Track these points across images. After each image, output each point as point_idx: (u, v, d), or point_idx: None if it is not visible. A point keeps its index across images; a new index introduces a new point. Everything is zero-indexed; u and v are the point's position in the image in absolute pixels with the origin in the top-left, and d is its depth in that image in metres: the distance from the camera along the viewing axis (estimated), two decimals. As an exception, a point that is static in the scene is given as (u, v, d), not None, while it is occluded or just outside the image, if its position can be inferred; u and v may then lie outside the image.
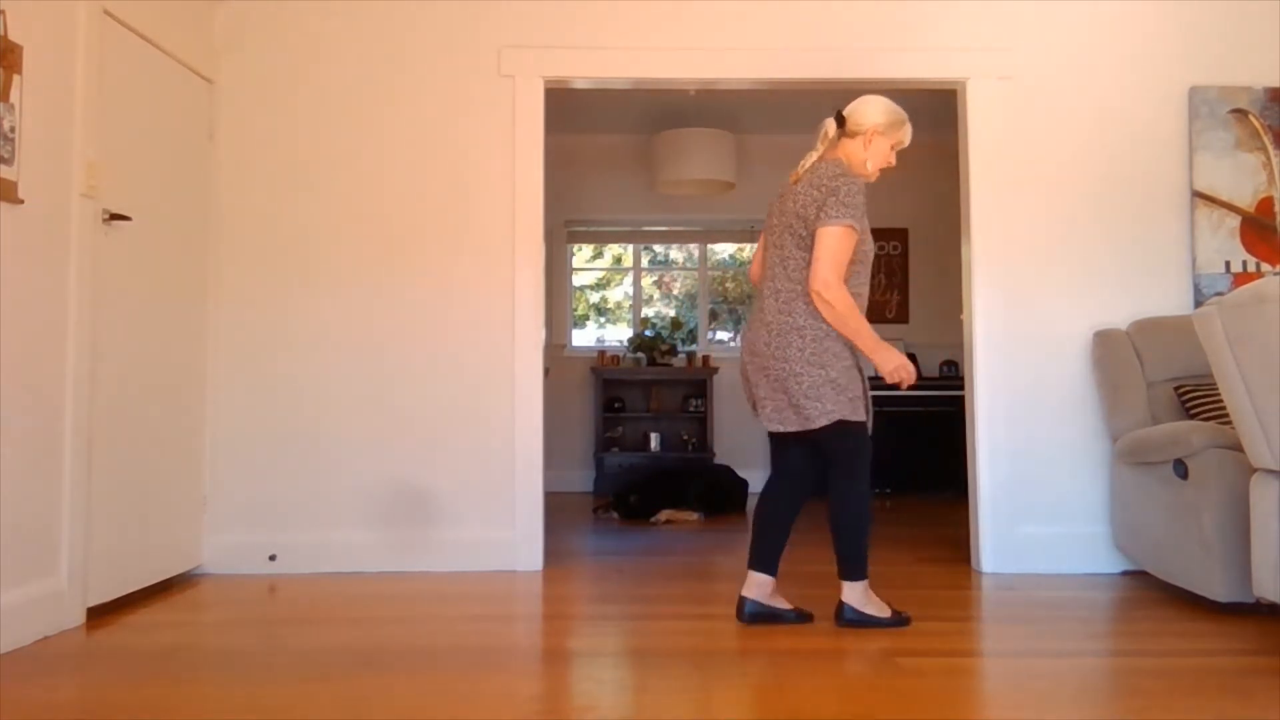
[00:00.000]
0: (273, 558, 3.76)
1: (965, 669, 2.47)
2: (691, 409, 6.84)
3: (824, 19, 3.96)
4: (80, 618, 2.97)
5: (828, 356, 2.76)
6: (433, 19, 3.93)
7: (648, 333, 7.01)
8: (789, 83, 4.03)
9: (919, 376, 6.56)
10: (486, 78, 3.93)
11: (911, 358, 6.66)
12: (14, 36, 2.72)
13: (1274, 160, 3.90)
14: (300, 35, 3.91)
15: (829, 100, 6.15)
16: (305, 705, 2.17)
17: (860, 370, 2.84)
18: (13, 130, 2.70)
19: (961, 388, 5.71)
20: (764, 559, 2.91)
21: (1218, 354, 2.67)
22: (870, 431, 2.85)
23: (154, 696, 2.24)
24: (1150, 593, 3.42)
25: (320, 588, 3.49)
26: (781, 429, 2.83)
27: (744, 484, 5.77)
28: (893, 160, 2.94)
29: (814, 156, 2.90)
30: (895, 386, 2.92)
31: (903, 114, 2.92)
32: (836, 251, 2.71)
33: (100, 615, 3.06)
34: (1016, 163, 3.92)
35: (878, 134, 2.89)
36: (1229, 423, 3.28)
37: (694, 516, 5.37)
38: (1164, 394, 3.67)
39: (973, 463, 3.89)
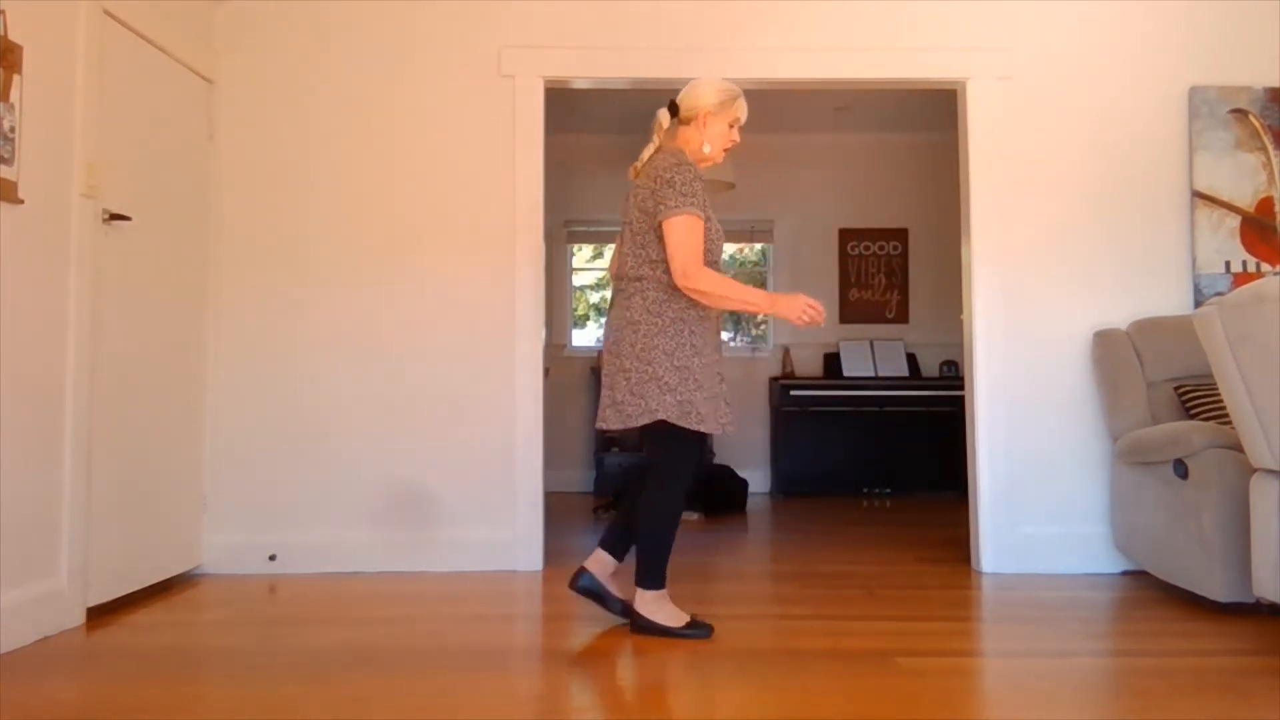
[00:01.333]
0: (273, 558, 3.76)
1: (965, 669, 2.47)
2: (691, 409, 6.83)
3: (824, 19, 3.96)
4: (80, 618, 2.97)
5: (657, 354, 2.68)
6: (433, 19, 3.93)
7: (648, 333, 7.00)
8: (789, 83, 4.03)
9: (917, 376, 6.56)
10: (486, 78, 3.93)
11: (911, 358, 6.67)
12: (14, 36, 2.72)
13: (1274, 160, 3.90)
14: (300, 35, 3.91)
15: (829, 100, 6.19)
16: (305, 705, 2.17)
17: (708, 378, 2.73)
18: (13, 130, 2.70)
19: (961, 388, 5.72)
20: (614, 544, 2.89)
21: (1218, 354, 2.67)
22: (709, 443, 2.79)
23: (154, 696, 2.24)
24: (1150, 593, 3.42)
25: (320, 588, 3.49)
26: (603, 425, 2.75)
27: (744, 484, 5.77)
28: (736, 138, 2.87)
29: (651, 149, 2.85)
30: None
31: (735, 90, 2.84)
32: (687, 240, 2.65)
33: (100, 615, 3.06)
34: (1016, 163, 3.92)
35: (710, 115, 2.82)
36: (1229, 423, 3.28)
37: (694, 516, 5.37)
38: (1164, 394, 3.67)
39: (973, 463, 3.89)
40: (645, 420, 2.67)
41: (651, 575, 2.77)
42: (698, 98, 2.83)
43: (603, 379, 2.83)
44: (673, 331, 2.70)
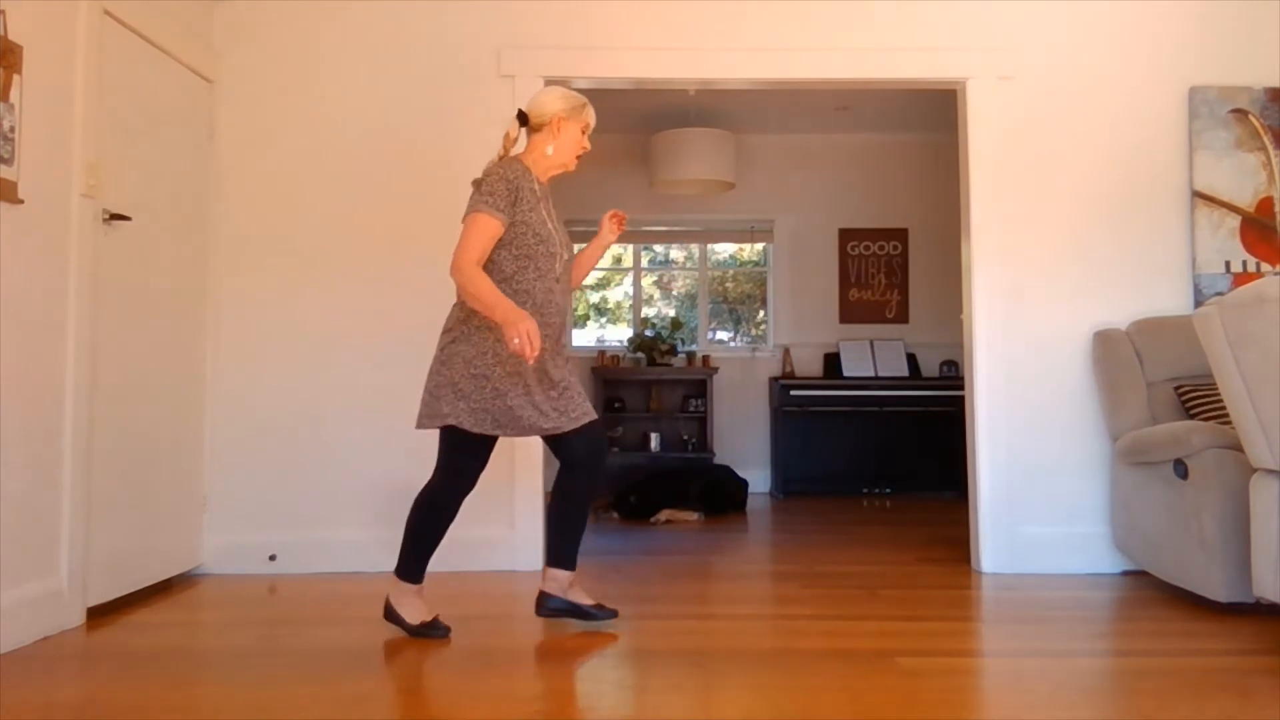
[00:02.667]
0: (273, 558, 3.76)
1: (965, 669, 2.47)
2: (691, 409, 6.84)
3: (824, 19, 3.96)
4: (80, 618, 2.97)
5: (456, 360, 2.70)
6: (432, 19, 3.93)
7: (648, 333, 7.01)
8: (789, 83, 4.03)
9: (917, 376, 6.56)
10: (486, 78, 3.93)
11: (911, 358, 6.66)
12: (14, 36, 2.72)
13: (1274, 160, 3.90)
14: (300, 35, 3.90)
15: (829, 100, 6.19)
16: (305, 705, 2.17)
17: (508, 385, 2.70)
18: (13, 130, 2.70)
19: (961, 388, 5.71)
20: (562, 554, 2.87)
21: (1218, 354, 2.67)
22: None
23: (154, 696, 2.24)
24: (1150, 593, 3.42)
25: (320, 588, 3.49)
26: (418, 426, 2.79)
27: (744, 484, 5.77)
28: (586, 145, 2.89)
29: (492, 161, 2.81)
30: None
31: (582, 98, 2.88)
32: (468, 236, 2.66)
33: (100, 615, 3.06)
34: (1016, 163, 3.92)
35: (564, 120, 2.83)
36: (1229, 423, 3.28)
37: (694, 516, 5.37)
38: (1164, 394, 3.67)
39: (973, 463, 3.89)
40: (438, 424, 2.71)
41: (408, 569, 2.81)
42: (548, 105, 2.85)
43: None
44: (473, 339, 2.72)
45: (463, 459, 2.76)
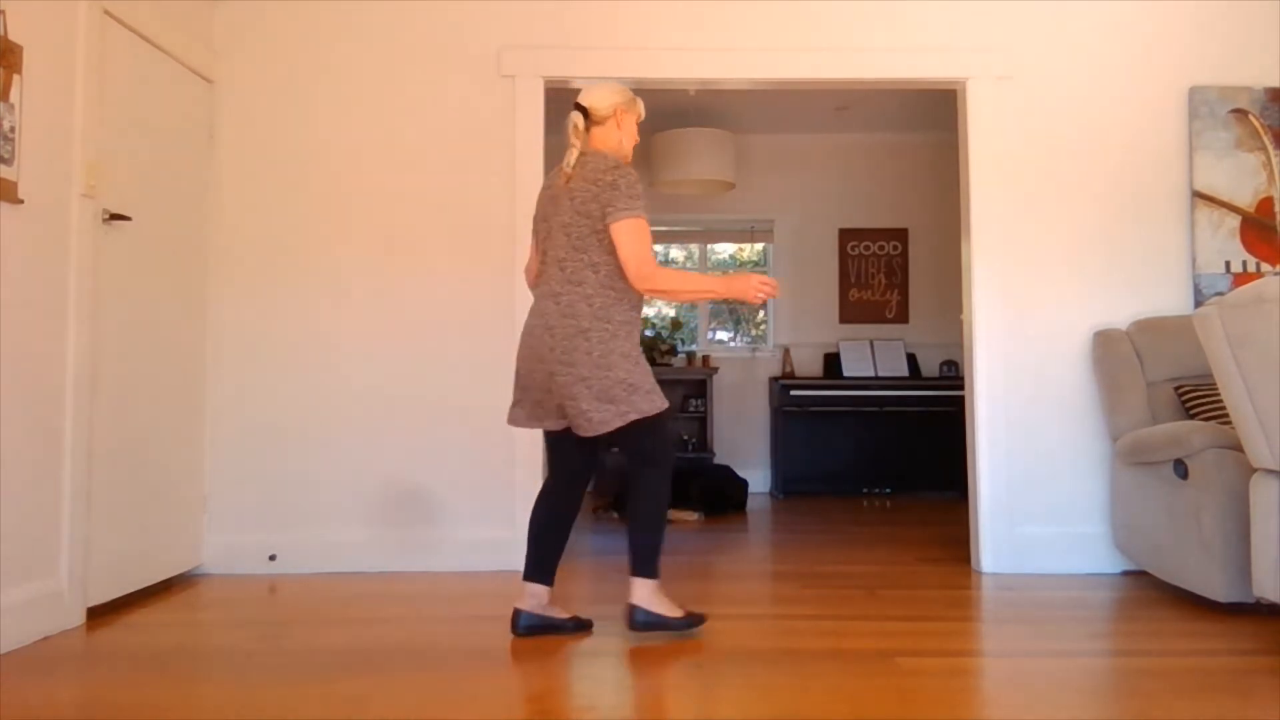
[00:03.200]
0: (273, 558, 3.76)
1: (965, 669, 2.47)
2: (691, 409, 6.84)
3: (824, 19, 3.96)
4: (80, 618, 2.97)
5: (614, 358, 2.68)
6: (433, 19, 3.93)
7: (648, 333, 7.01)
8: (789, 83, 4.03)
9: (917, 376, 6.57)
10: (486, 78, 3.93)
11: (911, 358, 6.67)
12: (14, 36, 2.72)
13: (1274, 160, 3.90)
14: (300, 35, 3.91)
15: (829, 100, 6.20)
16: (305, 705, 2.17)
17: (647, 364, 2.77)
18: (13, 130, 2.70)
19: (961, 388, 5.72)
20: (542, 569, 2.81)
21: (1218, 354, 2.67)
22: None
23: (154, 696, 2.24)
24: (1150, 593, 3.42)
25: (320, 588, 3.49)
26: (581, 434, 2.68)
27: (744, 484, 5.77)
28: (637, 136, 2.91)
29: (574, 154, 2.78)
30: (759, 303, 2.79)
31: (630, 90, 2.92)
32: (639, 242, 2.66)
33: (100, 615, 3.06)
34: (1016, 162, 3.92)
35: (624, 112, 2.85)
36: (1229, 423, 3.28)
37: (694, 516, 5.37)
38: (1164, 394, 3.67)
39: (973, 463, 3.89)
40: (620, 423, 2.66)
41: (653, 563, 2.73)
42: (609, 98, 2.84)
43: (543, 385, 2.73)
44: (624, 335, 2.73)
45: (661, 436, 2.75)
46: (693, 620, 2.76)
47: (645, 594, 2.73)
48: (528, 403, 2.80)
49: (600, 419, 2.65)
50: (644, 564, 2.73)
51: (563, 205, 2.74)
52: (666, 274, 2.68)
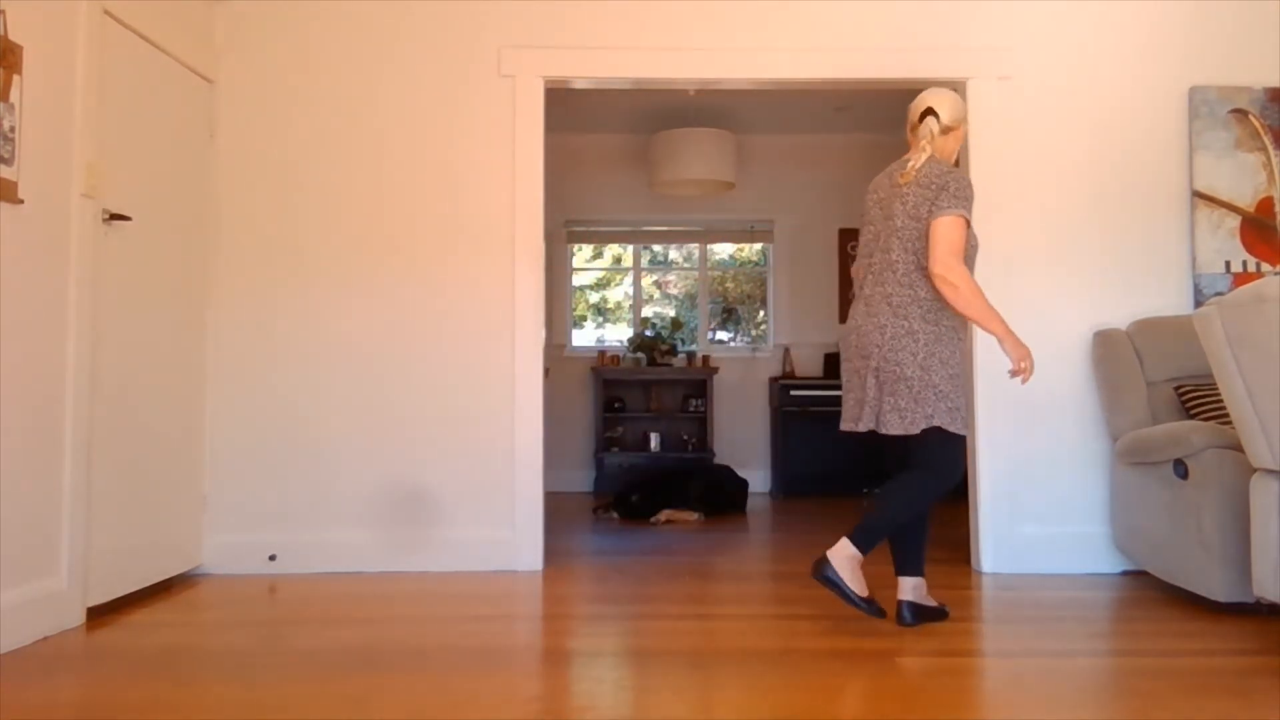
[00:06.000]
0: (273, 558, 3.76)
1: (965, 669, 2.47)
2: (691, 409, 6.84)
3: (824, 19, 3.96)
4: (80, 618, 2.97)
5: (934, 362, 2.76)
6: (433, 19, 3.93)
7: (648, 333, 7.01)
8: (789, 83, 4.03)
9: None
10: (486, 78, 3.93)
11: (912, 358, 6.66)
12: (14, 36, 2.72)
13: (1274, 160, 3.90)
14: (300, 35, 3.91)
15: (829, 100, 6.19)
16: (305, 705, 2.17)
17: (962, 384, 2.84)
18: (13, 130, 2.70)
19: (961, 388, 5.70)
20: (908, 561, 2.93)
21: (1218, 354, 2.67)
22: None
23: (154, 696, 2.24)
24: (1150, 593, 3.42)
25: (320, 588, 3.49)
26: (885, 430, 2.80)
27: (744, 484, 5.77)
28: None
29: (924, 157, 2.84)
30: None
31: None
32: (950, 237, 2.72)
33: (100, 615, 3.06)
34: (1016, 162, 3.92)
35: (964, 124, 2.97)
36: (1229, 423, 3.28)
37: (694, 516, 5.37)
38: (1164, 394, 3.67)
39: (973, 463, 3.89)
40: (925, 425, 2.75)
41: (868, 540, 2.78)
42: (959, 108, 2.92)
43: (866, 383, 2.83)
44: (948, 339, 2.79)
45: (949, 453, 2.80)
46: (873, 607, 2.81)
47: (843, 559, 2.77)
48: (851, 401, 2.91)
49: (909, 420, 2.75)
50: (863, 536, 2.78)
51: (895, 208, 2.83)
52: (965, 275, 2.72)
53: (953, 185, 2.76)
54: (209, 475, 3.78)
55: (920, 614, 2.88)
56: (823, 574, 2.77)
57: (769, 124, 6.71)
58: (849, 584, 2.77)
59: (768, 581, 3.60)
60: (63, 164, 2.93)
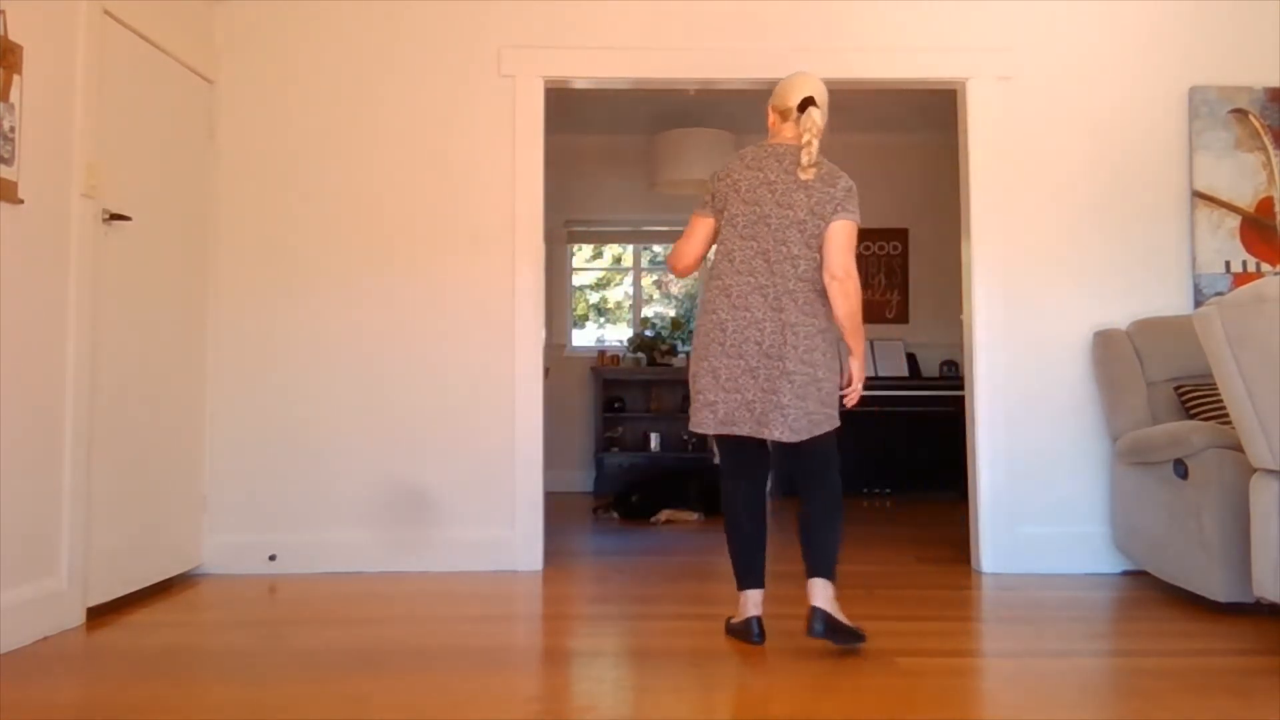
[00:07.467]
0: (273, 558, 3.76)
1: (965, 669, 2.47)
2: (691, 409, 6.83)
3: (824, 19, 3.96)
4: (80, 618, 2.97)
5: (836, 364, 2.72)
6: (433, 19, 3.93)
7: (648, 333, 7.01)
8: (789, 83, 4.01)
9: (917, 376, 6.57)
10: (486, 78, 3.93)
11: (911, 358, 6.67)
12: (14, 36, 2.72)
13: (1274, 160, 3.90)
14: (300, 35, 3.90)
15: (830, 100, 6.17)
16: (305, 705, 2.17)
17: None
18: (13, 130, 2.70)
19: (961, 388, 5.69)
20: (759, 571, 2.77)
21: (1218, 354, 2.67)
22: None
23: (154, 696, 2.24)
24: (1150, 593, 3.42)
25: (320, 588, 3.49)
26: (794, 438, 2.60)
27: (744, 484, 5.76)
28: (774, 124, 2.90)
29: (815, 150, 2.76)
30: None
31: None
32: (852, 241, 2.68)
33: (100, 615, 3.06)
34: (1016, 162, 3.92)
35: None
36: (1229, 423, 3.28)
37: (694, 516, 5.37)
38: (1164, 394, 3.67)
39: (973, 463, 3.89)
40: (830, 427, 2.68)
41: (835, 565, 2.67)
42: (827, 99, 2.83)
43: (773, 386, 2.60)
44: (834, 339, 2.73)
45: (835, 444, 2.74)
46: (861, 635, 2.62)
47: (829, 596, 2.60)
48: (733, 404, 2.64)
49: (818, 423, 2.65)
50: (830, 565, 2.65)
51: (796, 199, 2.69)
52: (859, 285, 2.68)
53: (853, 189, 2.73)
54: (209, 475, 3.78)
55: (833, 625, 2.59)
56: (821, 630, 2.56)
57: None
58: (842, 618, 2.59)
59: (768, 581, 3.59)
60: (63, 164, 2.93)
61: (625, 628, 2.88)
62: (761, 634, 2.69)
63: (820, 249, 2.68)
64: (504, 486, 3.84)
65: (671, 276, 7.58)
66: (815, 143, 2.74)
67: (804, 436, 2.63)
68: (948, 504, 6.02)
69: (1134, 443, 3.50)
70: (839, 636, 2.58)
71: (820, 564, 2.64)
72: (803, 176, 2.71)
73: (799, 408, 2.61)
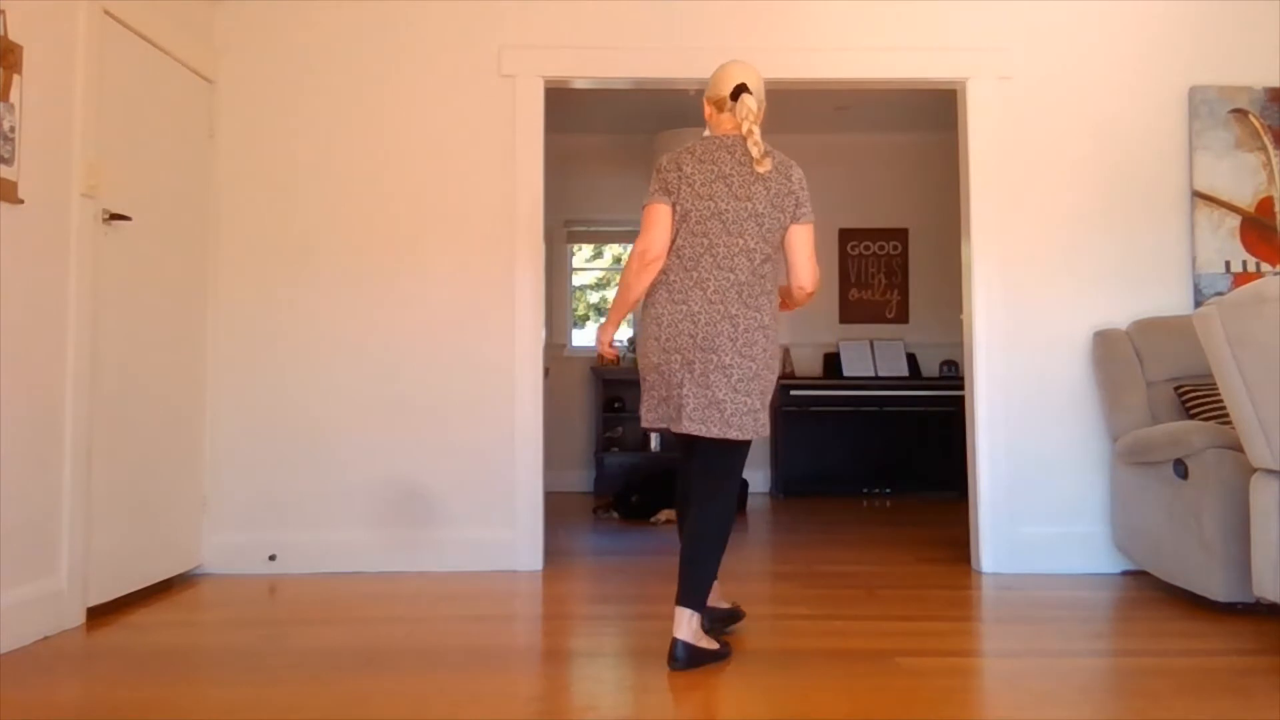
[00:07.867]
0: (273, 558, 3.76)
1: (965, 669, 2.47)
2: (691, 409, 6.83)
3: (824, 19, 3.96)
4: (80, 618, 2.97)
5: (775, 362, 2.62)
6: (433, 19, 3.93)
7: (648, 333, 7.00)
8: (789, 83, 4.02)
9: (917, 376, 6.57)
10: (486, 78, 3.93)
11: (911, 358, 6.67)
12: (14, 36, 2.72)
13: (1274, 160, 3.90)
14: (300, 35, 3.90)
15: (829, 100, 6.19)
16: (305, 705, 2.17)
17: None
18: (13, 130, 2.70)
19: (961, 388, 5.72)
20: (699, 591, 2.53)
21: (1218, 354, 2.67)
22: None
23: (154, 696, 2.24)
24: (1150, 593, 3.42)
25: (320, 588, 3.49)
26: (728, 435, 2.50)
27: (744, 484, 5.77)
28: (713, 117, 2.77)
29: (759, 134, 2.60)
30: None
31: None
32: (812, 245, 2.63)
33: (100, 615, 3.06)
34: (1016, 162, 3.92)
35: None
36: (1229, 423, 3.28)
37: (694, 516, 5.37)
38: (1164, 394, 3.67)
39: (973, 463, 3.89)
40: (761, 432, 2.56)
41: (705, 595, 2.50)
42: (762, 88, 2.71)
43: (708, 381, 2.51)
44: (775, 338, 2.63)
45: (743, 460, 2.65)
46: (727, 649, 2.56)
47: (694, 628, 2.48)
48: (672, 401, 2.57)
49: (760, 422, 2.55)
50: (701, 596, 2.49)
51: (755, 191, 2.56)
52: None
53: (804, 178, 2.65)
54: (209, 475, 3.78)
55: (696, 656, 2.46)
56: (686, 656, 2.44)
57: (769, 124, 6.70)
58: (704, 645, 2.49)
59: (767, 581, 3.60)
60: (63, 164, 2.93)
61: (625, 628, 2.88)
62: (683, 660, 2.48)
63: (780, 246, 2.62)
64: (504, 486, 3.84)
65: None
66: (756, 130, 2.60)
67: (749, 435, 2.53)
68: (948, 504, 6.02)
69: (1134, 443, 3.50)
70: (703, 662, 2.48)
71: (689, 593, 2.48)
72: (759, 170, 2.57)
73: (739, 403, 2.51)
